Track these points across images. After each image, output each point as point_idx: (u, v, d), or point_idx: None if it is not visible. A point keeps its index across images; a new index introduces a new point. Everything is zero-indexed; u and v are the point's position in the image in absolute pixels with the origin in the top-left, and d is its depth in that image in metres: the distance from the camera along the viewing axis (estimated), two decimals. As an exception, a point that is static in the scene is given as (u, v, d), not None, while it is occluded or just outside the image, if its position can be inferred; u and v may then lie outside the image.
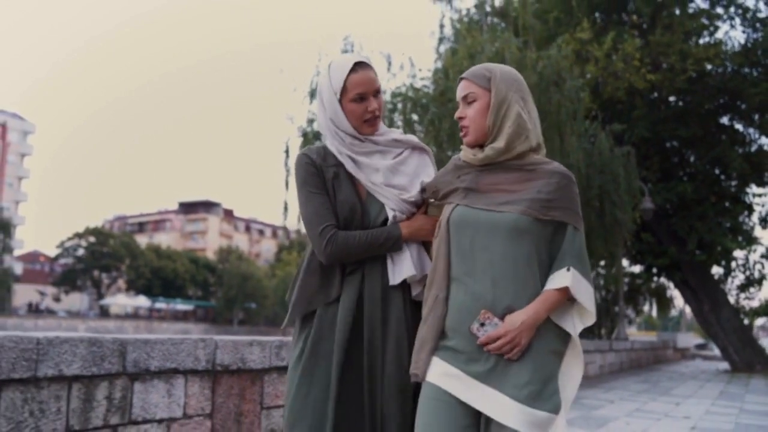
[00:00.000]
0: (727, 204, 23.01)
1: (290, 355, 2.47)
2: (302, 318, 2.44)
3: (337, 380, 2.31)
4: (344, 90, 2.40)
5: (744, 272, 24.38)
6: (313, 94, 16.07)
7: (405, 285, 2.41)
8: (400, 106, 15.31)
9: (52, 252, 79.83)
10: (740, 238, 23.35)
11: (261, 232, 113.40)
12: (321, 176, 2.42)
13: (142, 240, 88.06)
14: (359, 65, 2.41)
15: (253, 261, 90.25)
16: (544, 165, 2.25)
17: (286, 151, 16.09)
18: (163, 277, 76.39)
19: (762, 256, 24.10)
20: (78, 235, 75.11)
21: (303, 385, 2.35)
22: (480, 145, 2.29)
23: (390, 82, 16.50)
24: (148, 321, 71.34)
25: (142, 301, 74.76)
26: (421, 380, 2.20)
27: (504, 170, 2.24)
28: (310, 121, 16.33)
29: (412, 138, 2.54)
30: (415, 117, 15.57)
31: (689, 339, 43.34)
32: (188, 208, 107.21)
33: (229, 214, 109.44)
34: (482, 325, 2.10)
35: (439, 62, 17.16)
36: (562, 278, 2.13)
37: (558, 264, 2.17)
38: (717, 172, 22.81)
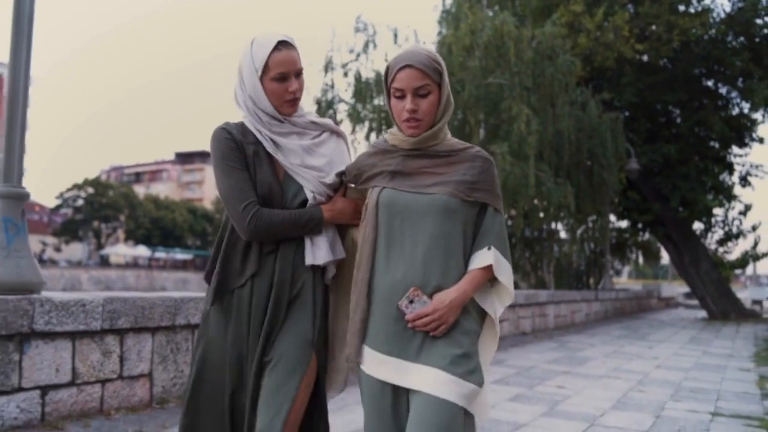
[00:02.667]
0: (709, 164, 24.49)
1: (204, 327, 2.41)
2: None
3: (235, 354, 2.33)
4: (266, 68, 2.32)
5: (723, 228, 26.03)
6: (327, 68, 17.41)
7: (317, 268, 2.39)
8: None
9: (51, 203, 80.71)
10: (720, 197, 25.00)
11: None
12: (241, 152, 2.35)
13: (139, 190, 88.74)
14: (283, 44, 2.33)
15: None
16: (467, 150, 2.29)
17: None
18: (162, 227, 77.55)
19: (740, 213, 25.75)
20: (77, 186, 75.93)
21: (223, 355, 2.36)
22: None
23: (396, 51, 17.77)
24: (149, 270, 72.64)
25: (142, 251, 75.99)
26: (355, 363, 2.24)
27: (429, 155, 2.25)
28: (324, 92, 17.69)
29: (329, 121, 2.51)
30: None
31: (673, 288, 45.21)
32: (185, 158, 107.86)
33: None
34: (411, 302, 2.11)
35: (440, 36, 18.36)
36: (485, 257, 2.19)
37: (479, 243, 2.22)
38: (700, 134, 24.20)
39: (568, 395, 6.75)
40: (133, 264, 78.48)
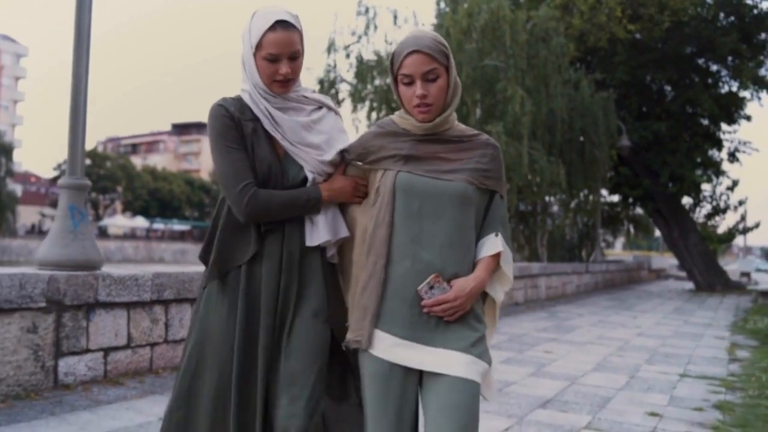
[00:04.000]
0: (698, 141, 25.23)
1: (204, 307, 2.33)
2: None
3: (242, 337, 2.28)
4: (259, 45, 2.27)
5: (711, 202, 26.88)
6: (330, 49, 18.06)
7: (320, 247, 2.35)
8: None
9: (48, 174, 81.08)
10: (709, 172, 25.83)
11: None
12: (239, 130, 2.30)
13: (136, 161, 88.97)
14: (280, 24, 2.26)
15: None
16: (477, 136, 2.30)
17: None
18: (159, 199, 78.12)
19: (728, 188, 26.60)
20: (75, 158, 76.20)
21: (234, 339, 2.28)
22: None
23: (396, 33, 18.45)
24: (147, 241, 73.30)
25: (140, 222, 76.60)
26: (365, 348, 2.19)
27: (441, 140, 2.25)
28: (327, 72, 18.37)
29: (324, 97, 2.47)
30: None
31: (665, 261, 46.17)
32: (181, 129, 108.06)
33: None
34: (431, 288, 2.11)
35: (439, 18, 18.98)
36: (494, 244, 2.22)
37: (486, 229, 2.25)
38: (690, 111, 24.90)
39: (554, 359, 7.56)
40: (131, 235, 78.95)
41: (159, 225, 79.64)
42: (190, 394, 2.28)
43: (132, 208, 77.95)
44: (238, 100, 2.35)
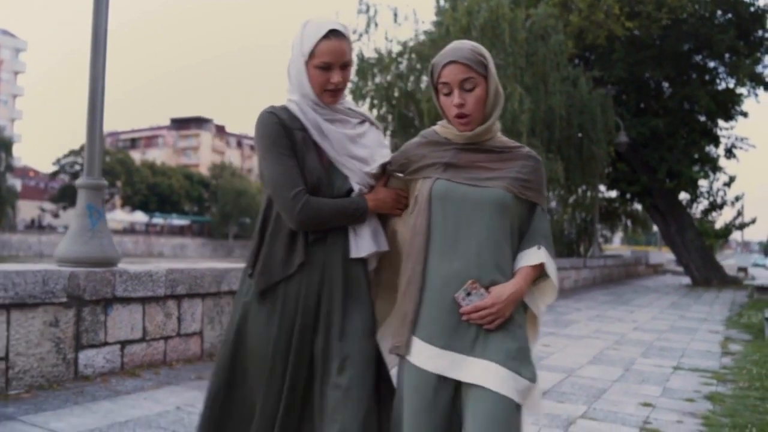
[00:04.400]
0: (695, 137, 25.47)
1: (242, 318, 2.34)
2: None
3: (296, 351, 2.28)
4: (312, 54, 2.29)
5: (708, 198, 27.14)
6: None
7: (363, 259, 2.37)
8: (405, 59, 17.54)
9: (47, 168, 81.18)
10: (706, 168, 26.08)
11: (252, 148, 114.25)
12: (290, 138, 2.31)
13: (134, 156, 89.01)
14: (333, 33, 2.30)
15: (246, 176, 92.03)
16: (519, 148, 2.31)
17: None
18: (158, 193, 78.25)
19: (724, 184, 26.84)
20: (74, 153, 76.39)
21: (272, 350, 2.28)
22: None
23: (396, 31, 18.68)
24: (146, 236, 73.47)
25: (140, 217, 76.72)
26: (403, 354, 2.20)
27: (483, 150, 2.26)
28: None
29: (367, 112, 2.53)
30: (418, 66, 17.84)
31: (662, 255, 46.46)
32: (180, 124, 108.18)
33: (221, 130, 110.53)
34: (468, 294, 2.10)
35: (439, 15, 19.19)
36: (535, 255, 2.20)
37: (528, 242, 2.24)
38: (687, 108, 25.14)
39: (552, 352, 7.80)
40: (131, 230, 79.06)
41: (158, 219, 79.80)
42: (223, 410, 2.30)
43: (131, 202, 78.05)
44: (286, 109, 2.36)
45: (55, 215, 77.79)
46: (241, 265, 6.40)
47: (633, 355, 7.90)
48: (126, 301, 5.38)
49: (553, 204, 24.70)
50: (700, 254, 25.78)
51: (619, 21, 20.92)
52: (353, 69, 18.76)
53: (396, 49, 18.50)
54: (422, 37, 18.29)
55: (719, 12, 23.58)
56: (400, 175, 2.39)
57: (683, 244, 25.77)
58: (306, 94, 2.33)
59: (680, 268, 32.32)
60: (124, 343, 5.37)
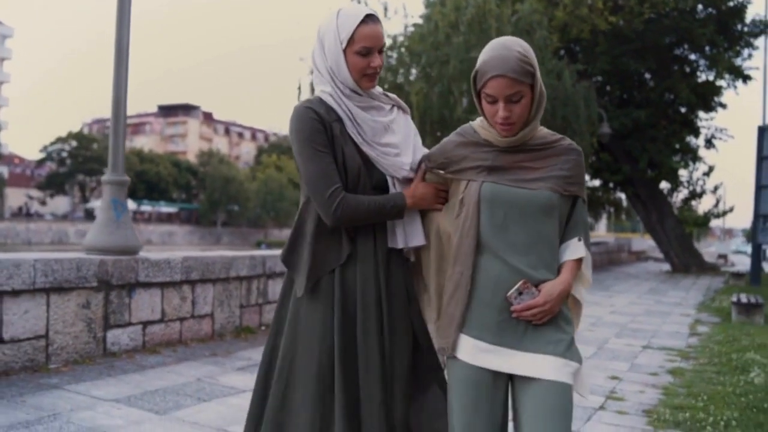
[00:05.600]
0: (676, 128, 26.17)
1: (294, 314, 2.36)
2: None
3: (364, 341, 2.31)
4: (351, 41, 2.29)
5: (688, 187, 27.90)
6: (323, 42, 18.77)
7: (401, 250, 2.40)
8: (394, 52, 18.10)
9: (32, 155, 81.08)
10: (687, 158, 26.84)
11: (240, 135, 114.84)
12: (327, 133, 2.31)
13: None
14: (370, 18, 2.32)
15: (234, 164, 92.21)
16: (559, 142, 2.28)
17: (299, 88, 18.92)
18: (146, 181, 78.26)
19: (704, 174, 27.61)
20: (61, 140, 76.36)
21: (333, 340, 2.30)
22: None
23: (386, 25, 19.23)
24: (135, 223, 72.72)
25: (127, 204, 76.80)
26: (449, 354, 2.23)
27: (525, 150, 2.23)
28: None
29: (396, 97, 2.52)
30: (407, 59, 18.42)
31: (645, 242, 47.28)
32: (167, 111, 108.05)
33: (208, 117, 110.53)
34: (520, 293, 2.14)
35: (428, 8, 19.72)
36: (577, 249, 2.26)
37: (569, 233, 2.28)
38: (669, 100, 25.82)
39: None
40: (119, 217, 78.89)
41: (146, 207, 79.92)
42: (284, 404, 2.33)
43: (119, 190, 77.94)
44: (322, 102, 2.35)
45: (42, 203, 77.86)
46: (246, 252, 6.96)
47: (607, 336, 8.55)
48: (147, 285, 5.96)
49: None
50: (680, 242, 26.56)
51: (602, 15, 21.52)
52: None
53: (386, 42, 18.89)
54: (411, 31, 18.85)
55: (700, 6, 24.21)
56: (441, 172, 2.35)
57: (664, 232, 26.53)
58: (343, 80, 2.33)
59: (661, 255, 33.18)
60: (145, 324, 5.96)
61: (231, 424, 4.18)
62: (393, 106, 2.48)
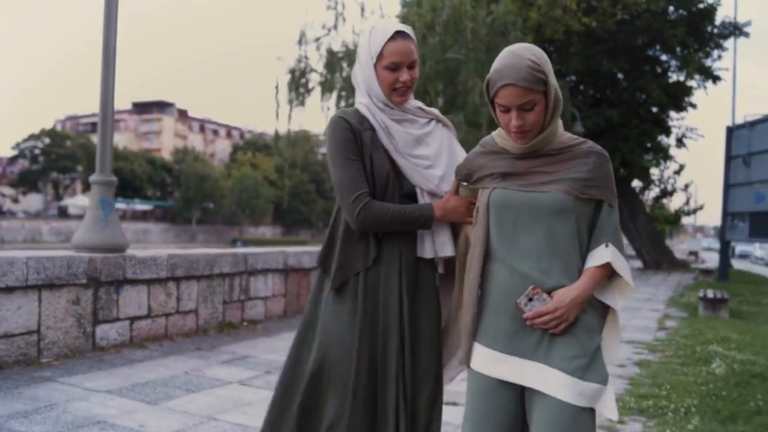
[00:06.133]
0: (648, 127, 26.68)
1: (323, 316, 2.45)
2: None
3: (383, 343, 2.38)
4: (380, 56, 2.39)
5: (659, 186, 28.47)
6: (301, 41, 19.02)
7: (432, 260, 2.45)
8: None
9: (5, 153, 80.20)
10: (658, 157, 27.38)
11: (215, 132, 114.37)
12: (358, 141, 2.41)
13: (95, 140, 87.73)
14: (399, 34, 2.40)
15: (209, 161, 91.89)
16: (579, 145, 2.21)
17: (276, 87, 19.10)
18: (121, 178, 76.93)
19: (675, 172, 28.20)
20: (34, 137, 75.61)
21: (356, 341, 2.36)
22: None
23: (363, 25, 19.45)
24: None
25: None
26: (463, 364, 2.24)
27: (541, 155, 2.18)
28: (298, 62, 19.31)
29: (435, 110, 2.57)
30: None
31: (618, 240, 47.93)
32: (142, 108, 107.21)
33: (183, 114, 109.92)
34: (530, 300, 2.08)
35: (405, 8, 20.01)
36: (603, 255, 2.14)
37: (595, 241, 2.17)
38: (640, 99, 26.30)
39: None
40: (93, 215, 78.32)
41: (121, 205, 79.13)
42: (314, 405, 2.40)
43: (93, 187, 77.34)
44: (357, 112, 2.48)
45: (15, 200, 77.04)
46: (230, 249, 7.17)
47: (578, 330, 8.83)
48: (134, 282, 6.14)
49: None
50: (651, 239, 27.10)
51: (576, 16, 21.92)
52: (322, 62, 19.64)
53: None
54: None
55: (671, 8, 24.71)
56: (465, 183, 2.38)
57: (635, 230, 27.05)
58: (376, 95, 2.43)
59: (633, 252, 33.75)
60: (132, 319, 6.14)
61: (219, 413, 4.40)
62: (431, 119, 2.54)
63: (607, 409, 2.07)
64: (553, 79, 2.13)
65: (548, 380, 2.05)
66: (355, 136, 2.41)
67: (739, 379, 5.86)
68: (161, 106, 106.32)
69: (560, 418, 2.02)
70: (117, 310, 5.97)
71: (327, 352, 2.39)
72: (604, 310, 2.22)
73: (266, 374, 5.55)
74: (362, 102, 2.47)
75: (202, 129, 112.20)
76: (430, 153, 2.46)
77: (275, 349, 6.55)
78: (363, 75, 2.45)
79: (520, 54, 2.10)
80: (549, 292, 2.10)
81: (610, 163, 2.22)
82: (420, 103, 2.55)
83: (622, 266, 2.18)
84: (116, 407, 4.35)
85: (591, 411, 2.05)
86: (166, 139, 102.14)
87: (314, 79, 19.51)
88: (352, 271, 2.41)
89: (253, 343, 6.82)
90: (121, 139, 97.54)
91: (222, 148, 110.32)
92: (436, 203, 2.41)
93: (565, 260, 2.14)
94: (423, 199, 2.43)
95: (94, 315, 5.75)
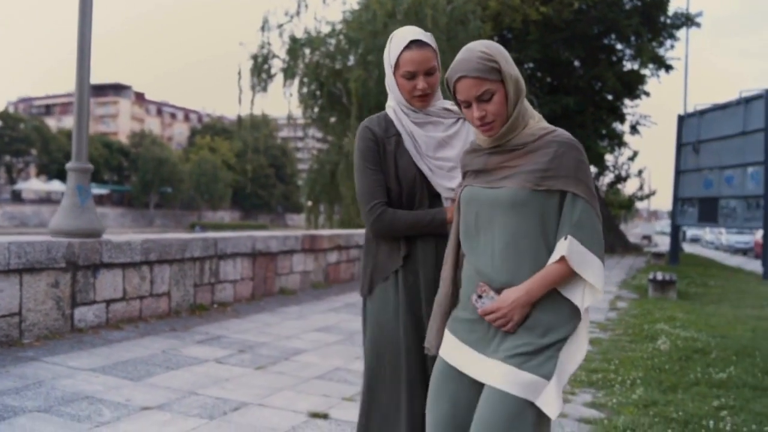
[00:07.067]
0: (603, 114, 27.38)
1: (374, 309, 2.57)
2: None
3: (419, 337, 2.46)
4: (397, 65, 2.46)
5: (614, 171, 29.24)
6: (264, 28, 19.15)
7: None
8: (333, 40, 18.60)
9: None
10: (612, 143, 28.13)
11: (173, 116, 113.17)
12: (381, 150, 2.50)
13: (50, 123, 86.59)
14: (415, 43, 2.44)
15: (167, 145, 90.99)
16: (544, 136, 2.13)
17: (239, 73, 19.24)
18: (76, 162, 76.62)
19: (629, 159, 29.02)
20: (-14, 120, 74.03)
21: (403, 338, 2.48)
22: None
23: (324, 12, 19.71)
24: (65, 205, 71.95)
25: (57, 186, 75.05)
26: (428, 353, 2.30)
27: (508, 149, 2.14)
28: (261, 48, 19.45)
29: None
30: (346, 46, 18.92)
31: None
32: (98, 91, 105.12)
33: (140, 98, 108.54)
34: (480, 297, 2.08)
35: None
36: (559, 249, 2.04)
37: (559, 235, 2.07)
38: (596, 87, 26.95)
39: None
40: (47, 200, 77.32)
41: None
42: (372, 388, 2.56)
43: (47, 171, 76.22)
44: (384, 117, 2.60)
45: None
46: (200, 234, 7.42)
47: (534, 311, 9.27)
48: (110, 266, 6.36)
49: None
50: (606, 223, 27.78)
51: (534, 5, 22.40)
52: (285, 48, 19.78)
53: (325, 29, 19.53)
54: (350, 18, 19.35)
55: (626, -3, 25.34)
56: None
57: (590, 215, 27.76)
58: (399, 100, 2.54)
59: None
60: (109, 302, 6.36)
61: (200, 388, 4.68)
62: (458, 119, 2.57)
63: (547, 406, 1.98)
64: (508, 68, 2.12)
65: (490, 371, 2.04)
66: (377, 145, 2.53)
67: (681, 354, 6.32)
68: (117, 89, 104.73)
69: (495, 406, 1.99)
70: (94, 293, 6.18)
71: (377, 343, 2.54)
72: (575, 310, 2.09)
73: (240, 353, 5.84)
74: (391, 105, 2.59)
75: (159, 112, 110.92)
76: (453, 155, 2.51)
77: (246, 330, 6.84)
78: (387, 81, 2.56)
79: (471, 48, 2.14)
80: (499, 291, 2.08)
81: (575, 150, 2.11)
82: (448, 104, 2.56)
83: (580, 261, 2.03)
84: (101, 384, 4.60)
85: (533, 407, 1.98)
86: (122, 123, 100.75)
87: (277, 65, 19.72)
88: (386, 273, 2.53)
89: (225, 324, 7.09)
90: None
91: (180, 131, 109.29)
92: (450, 207, 2.49)
93: (519, 257, 2.08)
94: (447, 203, 2.53)
95: (72, 298, 5.96)
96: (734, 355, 6.26)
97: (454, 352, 2.15)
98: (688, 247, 35.54)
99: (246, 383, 4.91)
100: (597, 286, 2.04)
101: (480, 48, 2.11)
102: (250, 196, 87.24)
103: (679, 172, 21.07)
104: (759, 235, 25.87)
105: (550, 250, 2.08)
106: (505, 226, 2.09)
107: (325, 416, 4.23)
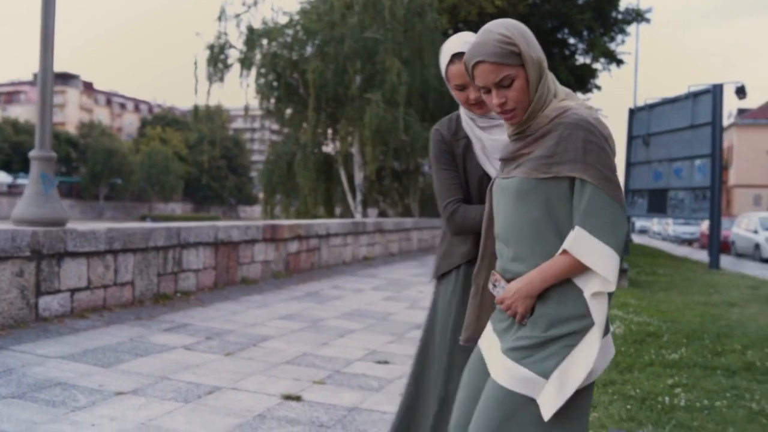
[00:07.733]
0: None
1: (435, 296, 2.72)
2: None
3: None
4: (447, 78, 2.53)
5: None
6: (221, 17, 19.03)
7: None
8: (290, 31, 18.59)
9: None
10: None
11: (122, 106, 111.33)
12: (451, 152, 2.57)
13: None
14: (457, 57, 2.45)
15: (117, 136, 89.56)
16: (555, 119, 1.99)
17: (195, 63, 19.08)
18: (22, 152, 74.87)
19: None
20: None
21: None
22: None
23: (282, 2, 19.67)
24: (10, 197, 70.55)
25: (2, 177, 73.50)
26: (463, 343, 2.32)
27: (525, 136, 2.04)
28: (217, 38, 19.30)
29: None
30: (304, 36, 18.92)
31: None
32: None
33: (88, 87, 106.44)
34: (494, 286, 2.09)
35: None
36: (568, 239, 1.92)
37: (575, 224, 1.94)
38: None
39: (425, 296, 9.27)
40: (-8, 190, 75.53)
41: (23, 180, 76.44)
42: (421, 369, 2.72)
43: (-8, 161, 74.47)
44: (456, 118, 2.66)
45: None
46: (163, 224, 7.43)
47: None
48: (75, 255, 6.35)
49: (426, 168, 26.48)
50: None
51: (489, -2, 22.66)
52: (241, 38, 19.69)
53: (283, 20, 19.49)
54: (307, 8, 19.33)
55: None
56: None
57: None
58: (462, 108, 2.60)
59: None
60: (73, 291, 6.35)
61: (172, 373, 4.74)
62: None
63: (543, 406, 1.89)
64: (530, 50, 1.99)
65: (496, 363, 2.01)
66: (447, 146, 2.60)
67: (635, 337, 6.56)
68: (65, 79, 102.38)
69: (490, 398, 1.96)
70: (59, 281, 6.17)
71: (429, 327, 2.69)
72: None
73: (208, 340, 5.90)
74: (462, 110, 2.63)
75: (108, 103, 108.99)
76: None
77: (212, 318, 6.89)
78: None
79: (489, 29, 2.01)
80: (510, 280, 2.03)
81: (583, 131, 1.94)
82: None
83: (585, 250, 1.89)
84: (72, 371, 4.62)
85: (532, 404, 1.90)
86: (70, 113, 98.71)
87: (233, 55, 19.59)
88: (452, 264, 2.63)
89: (190, 312, 7.12)
90: (23, 112, 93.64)
91: (130, 122, 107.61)
92: None
93: (528, 248, 2.00)
94: None
95: (37, 287, 5.94)
96: (684, 338, 6.52)
97: (485, 339, 2.14)
98: (636, 238, 36.35)
99: (217, 368, 4.98)
100: (605, 276, 1.88)
101: (498, 30, 1.99)
102: (203, 187, 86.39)
103: (629, 165, 21.54)
104: (705, 226, 26.63)
105: (563, 240, 1.95)
106: (513, 216, 2.02)
107: (298, 398, 4.34)
